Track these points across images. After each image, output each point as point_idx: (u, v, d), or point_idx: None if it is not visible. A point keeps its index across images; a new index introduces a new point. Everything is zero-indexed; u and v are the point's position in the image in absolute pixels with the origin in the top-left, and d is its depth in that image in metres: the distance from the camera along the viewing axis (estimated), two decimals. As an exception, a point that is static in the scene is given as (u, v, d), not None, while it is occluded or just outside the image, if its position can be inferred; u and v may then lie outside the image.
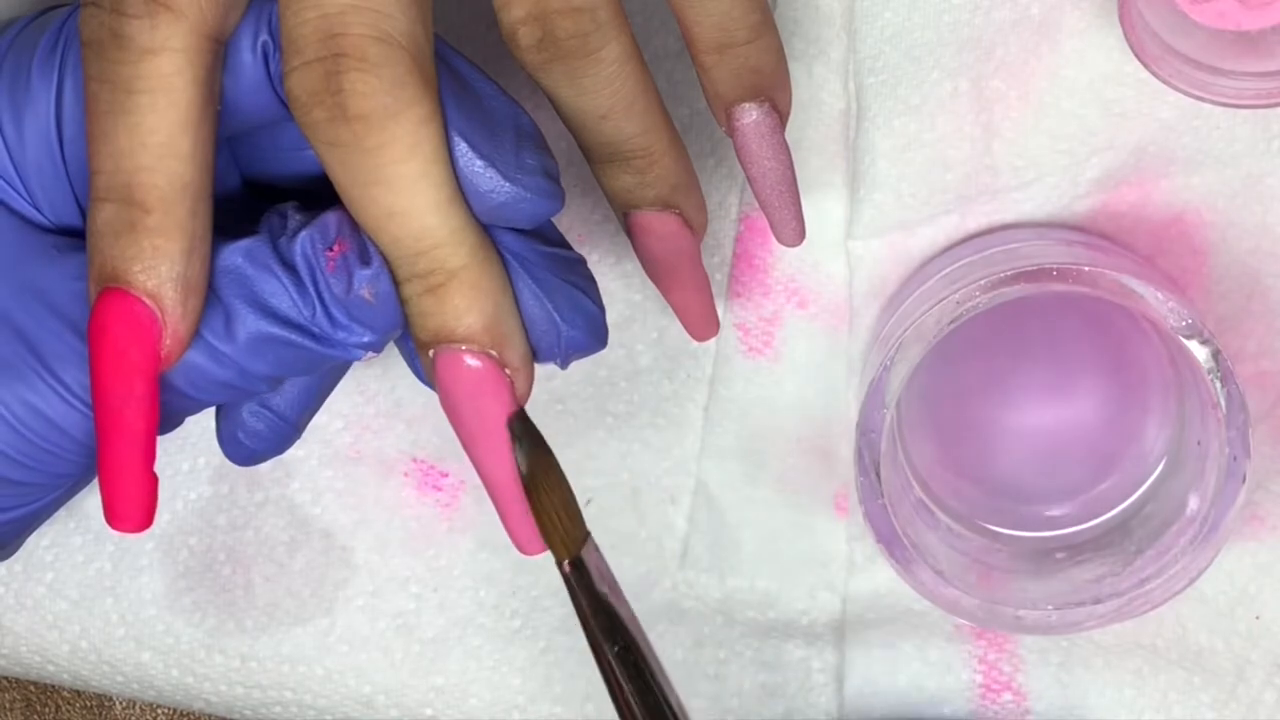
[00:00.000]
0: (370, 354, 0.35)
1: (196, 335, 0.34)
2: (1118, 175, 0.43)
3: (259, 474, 0.47)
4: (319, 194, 0.38)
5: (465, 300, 0.34)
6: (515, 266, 0.35)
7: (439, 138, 0.33)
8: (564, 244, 0.36)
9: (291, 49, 0.32)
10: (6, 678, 0.53)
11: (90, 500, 0.46)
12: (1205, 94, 0.39)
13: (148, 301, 0.33)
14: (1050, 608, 0.42)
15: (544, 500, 0.35)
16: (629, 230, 0.39)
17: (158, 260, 0.33)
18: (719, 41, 0.37)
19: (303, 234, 0.34)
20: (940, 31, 0.42)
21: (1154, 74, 0.39)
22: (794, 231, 0.40)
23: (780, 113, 0.38)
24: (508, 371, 0.34)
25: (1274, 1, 0.38)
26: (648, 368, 0.46)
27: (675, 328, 0.45)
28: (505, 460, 0.35)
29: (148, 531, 0.47)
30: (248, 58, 0.34)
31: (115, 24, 0.32)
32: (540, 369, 0.46)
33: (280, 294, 0.34)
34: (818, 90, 0.43)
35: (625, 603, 0.36)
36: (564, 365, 0.36)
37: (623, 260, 0.45)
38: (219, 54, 0.33)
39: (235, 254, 0.34)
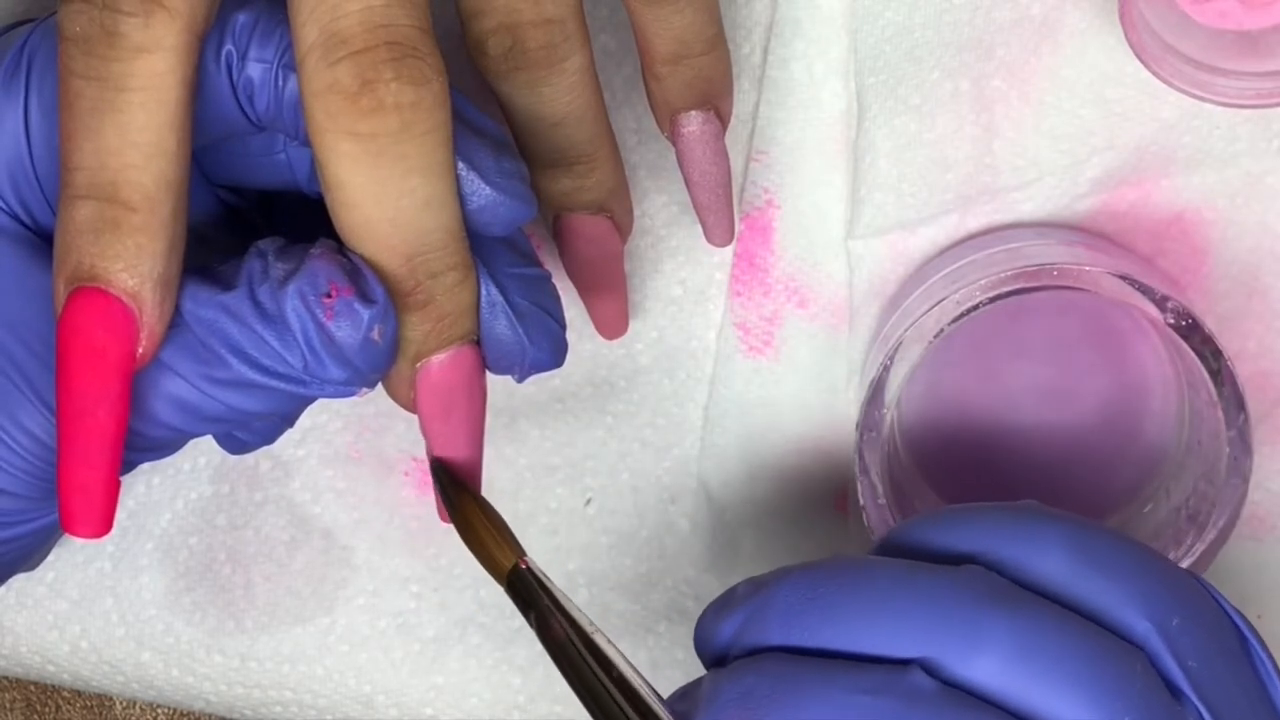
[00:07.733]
0: (366, 390, 0.35)
1: (182, 377, 0.34)
2: (1118, 175, 0.43)
3: (259, 474, 0.47)
4: (285, 198, 0.38)
5: (471, 293, 0.35)
6: (494, 290, 0.35)
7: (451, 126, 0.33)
8: (533, 257, 0.37)
9: (334, 40, 0.32)
10: (7, 678, 0.53)
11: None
12: (1205, 94, 0.39)
13: (127, 301, 0.32)
14: (1050, 607, 0.42)
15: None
16: (559, 232, 0.40)
17: (140, 260, 0.32)
18: (676, 53, 0.38)
19: (291, 287, 0.33)
20: (941, 31, 0.42)
21: (1154, 74, 0.39)
22: (726, 232, 0.42)
23: (723, 119, 0.40)
24: None
25: (1274, 1, 0.38)
26: (648, 368, 0.46)
27: (675, 327, 0.45)
28: (481, 437, 0.36)
29: (147, 531, 0.47)
30: (212, 69, 0.34)
31: (108, 21, 0.32)
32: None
33: (263, 347, 0.33)
34: (818, 90, 0.43)
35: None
36: (520, 380, 0.37)
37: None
38: (200, 51, 0.33)
39: (214, 307, 0.33)
